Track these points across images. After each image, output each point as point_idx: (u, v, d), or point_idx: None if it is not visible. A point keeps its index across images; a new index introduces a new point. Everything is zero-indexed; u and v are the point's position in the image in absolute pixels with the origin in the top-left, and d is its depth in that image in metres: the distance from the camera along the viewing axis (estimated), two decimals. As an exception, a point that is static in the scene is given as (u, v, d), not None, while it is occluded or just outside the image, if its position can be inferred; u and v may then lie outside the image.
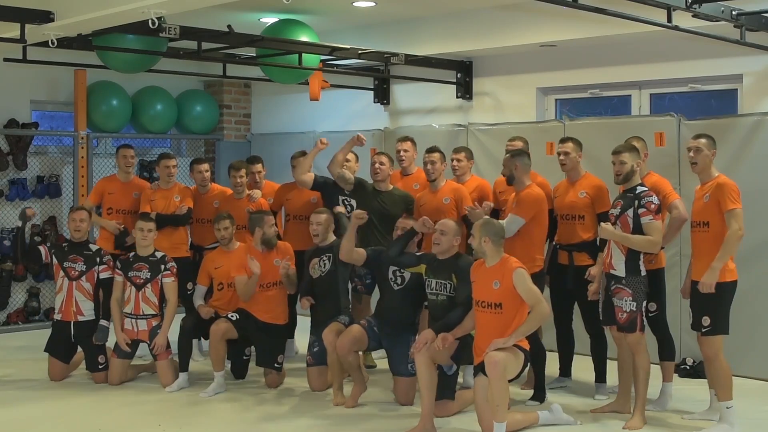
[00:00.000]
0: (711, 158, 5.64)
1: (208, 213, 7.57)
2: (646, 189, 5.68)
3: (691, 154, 5.65)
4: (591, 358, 6.42)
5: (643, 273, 5.65)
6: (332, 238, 6.62)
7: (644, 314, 5.83)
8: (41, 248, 7.03)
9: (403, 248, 6.19)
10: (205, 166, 7.79)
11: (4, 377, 7.01)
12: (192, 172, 7.85)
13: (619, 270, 5.62)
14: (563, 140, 6.45)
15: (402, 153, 7.20)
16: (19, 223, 7.03)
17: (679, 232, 6.20)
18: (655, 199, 5.63)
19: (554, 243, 6.47)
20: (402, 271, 6.22)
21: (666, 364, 6.12)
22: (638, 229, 5.58)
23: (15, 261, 7.43)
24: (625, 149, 5.73)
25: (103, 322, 6.84)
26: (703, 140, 5.64)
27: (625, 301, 5.60)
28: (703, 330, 5.50)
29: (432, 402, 5.56)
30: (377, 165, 6.88)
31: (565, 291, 6.38)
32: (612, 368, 6.23)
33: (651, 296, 5.89)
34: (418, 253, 6.16)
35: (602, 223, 5.71)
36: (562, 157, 6.36)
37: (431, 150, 6.82)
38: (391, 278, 6.24)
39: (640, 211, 5.57)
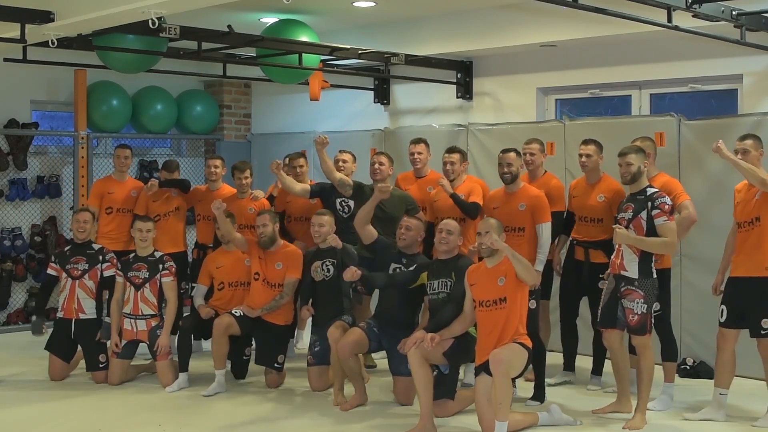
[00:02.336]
0: (759, 158, 5.64)
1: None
2: (657, 190, 5.66)
3: (739, 156, 5.62)
4: (592, 350, 6.53)
5: (655, 275, 5.64)
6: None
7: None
8: (51, 271, 6.98)
9: (385, 278, 6.15)
10: (216, 162, 7.75)
11: (4, 377, 7.01)
12: (205, 167, 7.86)
13: (632, 271, 5.59)
14: (586, 141, 6.46)
15: (416, 155, 7.13)
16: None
17: (687, 233, 6.19)
18: (668, 200, 5.60)
19: (571, 239, 6.51)
20: (401, 270, 6.21)
21: (668, 365, 6.12)
22: (652, 231, 5.55)
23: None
24: (631, 150, 5.72)
25: (108, 320, 6.87)
26: (749, 141, 5.62)
27: (637, 303, 5.58)
28: (764, 332, 5.50)
29: (430, 401, 5.55)
30: (377, 165, 6.86)
31: (575, 287, 6.43)
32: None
33: (656, 296, 5.91)
34: (411, 269, 6.12)
35: (617, 229, 5.63)
36: (584, 159, 6.39)
37: (451, 150, 6.81)
38: None
39: (654, 212, 5.54)
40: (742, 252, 5.60)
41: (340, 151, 7.36)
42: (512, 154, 6.28)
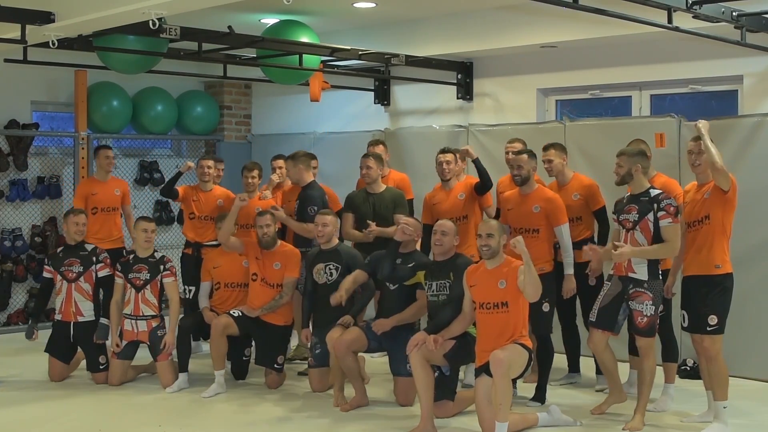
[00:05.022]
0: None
1: (210, 210, 7.66)
2: (661, 191, 5.64)
3: (693, 156, 5.65)
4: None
5: (661, 277, 5.66)
6: (336, 241, 6.62)
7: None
8: (46, 274, 6.99)
9: (393, 262, 6.13)
10: (209, 163, 7.80)
11: (4, 377, 7.01)
12: (197, 167, 7.82)
13: (641, 273, 5.58)
14: (546, 147, 6.55)
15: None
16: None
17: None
18: (674, 201, 5.59)
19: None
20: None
21: (669, 366, 6.13)
22: (658, 232, 5.56)
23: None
24: (624, 152, 5.73)
25: (103, 320, 6.86)
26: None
27: (646, 305, 5.57)
28: (710, 329, 5.48)
29: (430, 402, 5.55)
30: (364, 170, 6.97)
31: None
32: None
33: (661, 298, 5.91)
34: (410, 265, 6.12)
35: (617, 245, 5.61)
36: (546, 165, 6.49)
37: (444, 151, 6.83)
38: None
39: (660, 214, 5.52)
40: (691, 251, 5.61)
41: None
42: (524, 156, 6.29)
